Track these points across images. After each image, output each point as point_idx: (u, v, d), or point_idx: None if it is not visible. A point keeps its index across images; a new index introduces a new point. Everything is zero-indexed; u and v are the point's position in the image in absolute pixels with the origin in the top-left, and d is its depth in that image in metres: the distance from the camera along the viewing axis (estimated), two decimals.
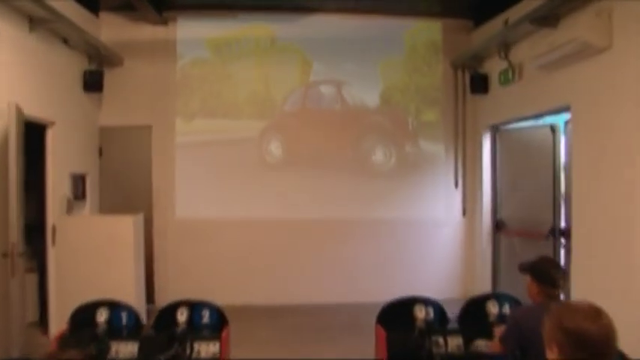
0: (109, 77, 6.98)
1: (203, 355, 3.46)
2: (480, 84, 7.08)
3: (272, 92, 7.35)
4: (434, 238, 7.49)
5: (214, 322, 3.71)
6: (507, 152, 7.06)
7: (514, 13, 6.14)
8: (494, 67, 6.82)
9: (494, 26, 6.74)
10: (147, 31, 7.20)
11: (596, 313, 1.62)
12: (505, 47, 6.43)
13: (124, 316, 3.65)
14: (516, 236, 6.71)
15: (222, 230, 7.24)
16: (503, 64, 6.45)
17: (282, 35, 7.36)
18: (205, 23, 7.28)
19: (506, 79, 6.42)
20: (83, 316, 3.57)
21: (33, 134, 5.32)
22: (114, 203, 6.97)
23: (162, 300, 6.05)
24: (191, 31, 7.25)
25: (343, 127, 7.36)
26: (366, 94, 7.37)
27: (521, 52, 6.16)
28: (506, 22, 6.40)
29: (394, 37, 7.46)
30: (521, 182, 6.92)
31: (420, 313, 3.60)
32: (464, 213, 7.53)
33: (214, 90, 7.33)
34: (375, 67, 7.40)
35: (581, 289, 4.76)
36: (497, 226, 7.07)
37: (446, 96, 7.53)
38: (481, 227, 7.24)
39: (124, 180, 7.14)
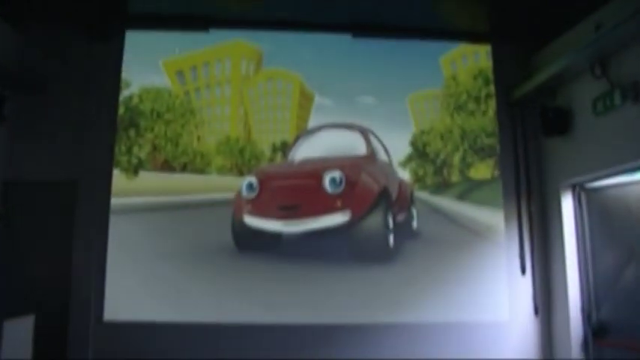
0: (23, 108, 4.76)
1: None
2: (555, 122, 4.89)
3: (256, 137, 5.14)
4: (491, 348, 5.00)
5: None
6: (604, 222, 4.77)
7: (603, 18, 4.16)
8: (580, 94, 4.69)
9: (570, 40, 4.69)
10: (80, 49, 5.04)
11: None
12: (601, 62, 4.33)
13: None
14: (631, 349, 4.30)
15: (180, 341, 4.73)
16: (599, 87, 4.34)
17: (273, 56, 5.23)
18: (163, 39, 5.16)
19: (607, 105, 4.28)
20: None
21: None
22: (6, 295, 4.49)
23: None
24: (142, 50, 5.11)
25: None
26: (390, 139, 5.16)
27: (632, 65, 4.06)
28: (597, 27, 4.33)
29: (427, 63, 5.37)
30: (633, 267, 4.64)
31: None
32: (536, 311, 5.10)
33: (172, 132, 5.10)
34: (402, 102, 5.25)
35: None
36: (596, 332, 4.66)
37: (503, 142, 5.33)
38: (567, 333, 4.81)
39: (29, 261, 4.70)
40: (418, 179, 5.14)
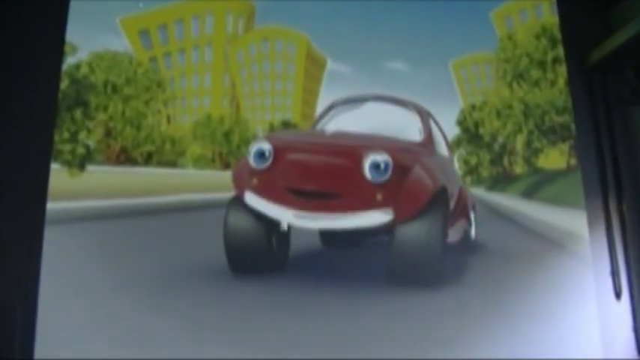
0: None
1: None
2: None
3: (247, 116, 3.79)
4: None
5: None
6: None
7: None
8: None
9: None
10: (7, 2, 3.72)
11: None
12: None
13: None
14: None
15: None
16: None
17: (269, 10, 3.90)
18: None
19: None
20: None
21: None
22: None
23: None
24: (94, 4, 3.79)
25: None
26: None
27: None
28: None
29: (475, 18, 4.04)
30: None
31: None
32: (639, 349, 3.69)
33: (133, 111, 3.75)
34: (444, 69, 3.91)
35: None
36: None
37: (580, 121, 3.96)
38: None
39: None
40: (470, 171, 3.77)
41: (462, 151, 3.76)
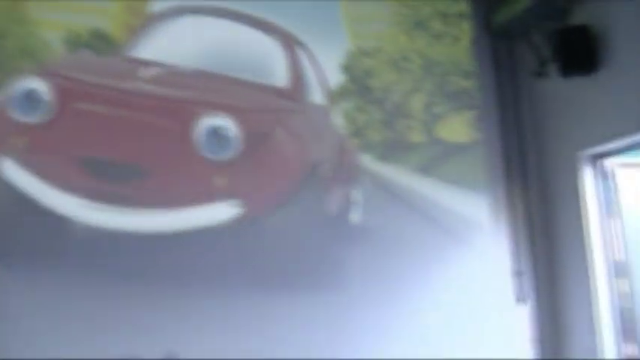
0: None
1: None
2: (575, 54, 2.94)
3: (35, 17, 2.51)
4: None
5: None
6: None
7: None
8: (618, 7, 2.80)
9: None
10: None
11: None
12: None
13: None
14: None
15: None
16: None
17: None
18: None
19: None
20: None
21: None
22: None
23: None
24: None
25: None
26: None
27: None
28: None
29: None
30: None
31: None
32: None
33: None
34: (333, 11, 2.99)
35: None
36: None
37: (486, 88, 3.27)
38: None
39: None
40: (358, 132, 2.86)
41: (347, 104, 2.84)
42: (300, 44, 2.70)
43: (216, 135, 2.38)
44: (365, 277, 2.62)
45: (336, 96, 2.80)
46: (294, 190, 2.48)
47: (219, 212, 2.40)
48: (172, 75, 2.54)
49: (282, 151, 2.56)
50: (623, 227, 2.91)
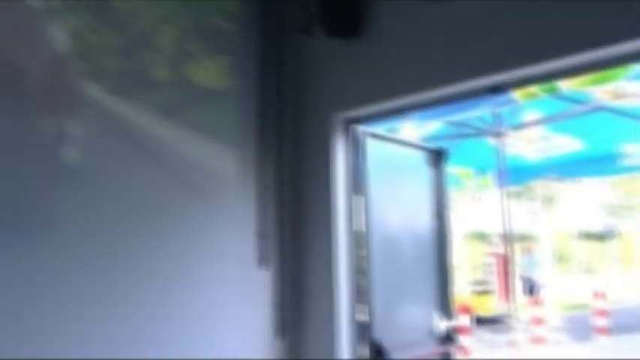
0: None
1: None
2: (342, 14, 2.88)
3: None
4: None
5: None
6: (392, 187, 3.03)
7: None
8: None
9: None
10: None
11: None
12: None
13: None
14: None
15: None
16: None
17: None
18: None
19: None
20: None
21: None
22: None
23: None
24: None
25: None
26: None
27: None
28: None
29: None
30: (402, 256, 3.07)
31: None
32: (282, 331, 2.91)
33: None
34: None
35: None
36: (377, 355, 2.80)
37: (246, 35, 3.01)
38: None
39: None
40: (86, 55, 2.33)
41: (77, 19, 2.28)
42: None
43: None
44: (80, 224, 2.14)
45: (61, 7, 2.23)
46: None
47: None
48: None
49: None
50: (366, 198, 2.95)
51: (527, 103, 4.73)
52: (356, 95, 2.87)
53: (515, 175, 6.03)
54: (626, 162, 5.20)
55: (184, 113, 2.64)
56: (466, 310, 8.27)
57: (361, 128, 2.96)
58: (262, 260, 2.87)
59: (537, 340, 9.20)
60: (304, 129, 3.06)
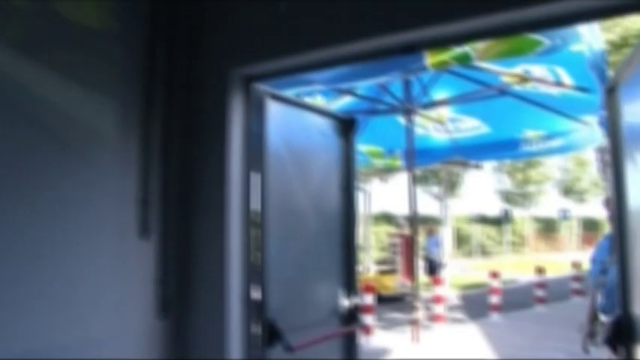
0: None
1: None
2: None
3: None
4: None
5: None
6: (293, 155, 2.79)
7: None
8: None
9: None
10: None
11: None
12: None
13: None
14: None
15: None
16: None
17: None
18: None
19: None
20: None
21: None
22: None
23: None
24: None
25: None
26: None
27: None
28: None
29: None
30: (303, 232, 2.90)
31: None
32: (164, 310, 2.59)
33: None
34: None
35: None
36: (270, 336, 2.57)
37: None
38: (220, 344, 2.54)
39: None
40: None
41: None
42: None
43: None
44: None
45: None
46: None
47: None
48: None
49: None
50: (264, 167, 2.68)
51: (438, 74, 4.67)
52: (257, 50, 2.59)
53: (423, 156, 6.04)
54: (525, 148, 5.35)
55: (52, 54, 2.22)
56: (370, 289, 8.32)
57: (262, 87, 2.68)
58: (144, 231, 2.53)
59: (437, 318, 9.49)
60: (198, 84, 2.72)
